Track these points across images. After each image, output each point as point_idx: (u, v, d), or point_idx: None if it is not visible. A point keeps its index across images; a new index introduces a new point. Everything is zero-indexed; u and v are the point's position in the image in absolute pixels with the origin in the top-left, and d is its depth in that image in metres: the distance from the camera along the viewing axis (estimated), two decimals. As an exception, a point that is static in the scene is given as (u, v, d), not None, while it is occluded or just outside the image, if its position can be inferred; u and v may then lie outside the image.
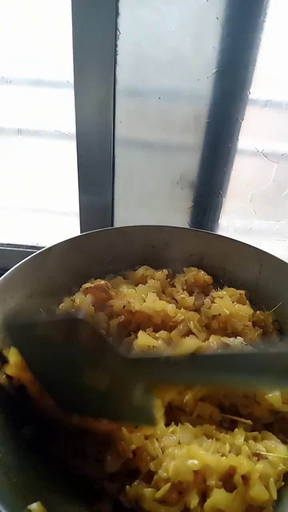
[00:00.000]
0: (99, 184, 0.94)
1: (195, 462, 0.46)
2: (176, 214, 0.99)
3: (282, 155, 0.89)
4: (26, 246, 1.09)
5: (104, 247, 0.74)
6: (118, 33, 0.76)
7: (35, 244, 1.09)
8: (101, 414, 0.48)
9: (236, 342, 0.59)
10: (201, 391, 0.54)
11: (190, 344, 0.58)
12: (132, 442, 0.47)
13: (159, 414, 0.52)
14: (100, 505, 0.47)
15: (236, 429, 0.52)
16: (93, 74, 0.80)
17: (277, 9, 0.72)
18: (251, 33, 0.74)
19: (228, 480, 0.46)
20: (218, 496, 0.44)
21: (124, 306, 0.63)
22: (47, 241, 0.69)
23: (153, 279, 0.71)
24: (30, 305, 0.64)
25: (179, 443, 0.50)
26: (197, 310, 0.67)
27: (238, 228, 1.02)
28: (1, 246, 1.08)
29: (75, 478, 0.50)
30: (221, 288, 0.71)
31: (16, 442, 0.49)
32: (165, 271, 0.73)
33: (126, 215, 1.00)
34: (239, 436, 0.51)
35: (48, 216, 1.07)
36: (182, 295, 0.68)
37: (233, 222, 1.01)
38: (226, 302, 0.65)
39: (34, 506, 0.42)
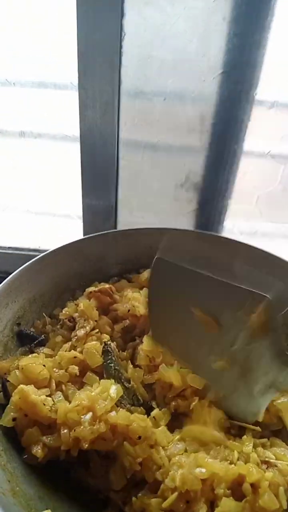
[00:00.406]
0: (102, 186, 0.93)
1: (203, 470, 0.45)
2: (181, 217, 0.98)
3: (289, 156, 0.88)
4: (28, 249, 1.08)
5: (108, 250, 0.73)
6: (123, 34, 0.75)
7: (38, 248, 1.08)
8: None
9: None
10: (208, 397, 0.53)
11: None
12: (138, 455, 0.46)
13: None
14: (107, 513, 0.46)
15: (244, 436, 0.51)
16: (97, 76, 0.79)
17: (285, 9, 0.71)
18: (258, 33, 0.73)
19: (236, 489, 0.44)
20: (227, 505, 0.43)
21: (128, 310, 0.62)
22: (50, 244, 0.68)
23: (158, 282, 0.70)
24: (34, 309, 0.63)
25: (185, 451, 0.49)
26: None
27: (243, 231, 1.01)
28: (4, 250, 1.07)
29: (79, 487, 0.48)
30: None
31: (19, 449, 0.48)
32: (170, 274, 0.72)
33: (130, 217, 0.99)
34: (247, 443, 0.50)
35: (51, 219, 1.06)
36: (188, 298, 0.66)
37: (238, 224, 1.00)
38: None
39: None
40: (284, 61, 0.77)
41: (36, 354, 0.56)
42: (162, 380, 0.54)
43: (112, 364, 0.54)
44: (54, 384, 0.52)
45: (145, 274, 0.72)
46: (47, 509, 0.42)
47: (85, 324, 0.59)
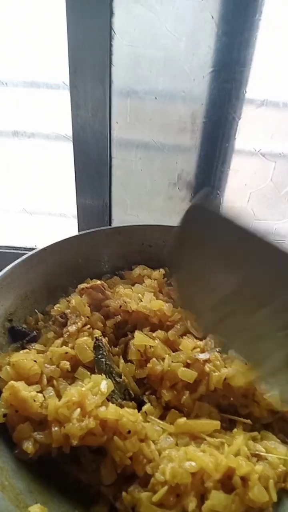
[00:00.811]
0: (96, 185, 0.94)
1: (193, 464, 0.45)
2: (174, 215, 0.98)
3: (280, 154, 0.89)
4: (24, 248, 1.08)
5: (100, 247, 0.74)
6: (113, 33, 0.76)
7: (33, 247, 1.08)
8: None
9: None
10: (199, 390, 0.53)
11: (188, 344, 0.57)
12: (128, 449, 0.46)
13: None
14: (96, 508, 0.46)
15: (235, 429, 0.51)
16: (88, 75, 0.80)
17: (273, 7, 0.72)
18: (246, 32, 0.74)
19: (227, 482, 0.44)
20: (217, 498, 0.43)
21: (120, 306, 0.62)
22: (45, 243, 0.68)
23: (150, 278, 0.71)
24: (26, 305, 0.63)
25: (176, 444, 0.49)
26: (194, 309, 0.66)
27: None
28: (0, 249, 1.07)
29: (70, 481, 0.48)
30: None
31: (9, 443, 0.48)
32: (162, 271, 0.72)
33: (123, 216, 0.99)
34: (237, 437, 0.50)
35: (46, 218, 1.06)
36: (180, 295, 0.67)
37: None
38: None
39: (35, 508, 0.41)
40: (273, 59, 0.78)
41: (27, 350, 0.56)
42: (153, 374, 0.54)
43: (103, 359, 0.54)
44: (45, 380, 0.52)
45: (137, 271, 0.73)
46: (36, 503, 0.42)
47: (76, 320, 0.59)
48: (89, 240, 0.72)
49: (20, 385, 0.48)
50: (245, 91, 0.81)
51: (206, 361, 0.55)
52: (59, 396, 0.50)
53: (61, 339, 0.58)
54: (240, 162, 0.91)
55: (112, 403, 0.50)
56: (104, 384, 0.50)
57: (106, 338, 0.59)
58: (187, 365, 0.55)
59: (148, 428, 0.49)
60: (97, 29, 0.74)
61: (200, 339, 0.60)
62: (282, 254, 0.40)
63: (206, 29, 0.74)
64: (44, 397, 0.50)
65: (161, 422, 0.51)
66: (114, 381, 0.53)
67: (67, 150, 0.91)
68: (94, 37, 0.75)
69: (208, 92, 0.81)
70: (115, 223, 1.00)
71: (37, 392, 0.50)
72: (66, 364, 0.54)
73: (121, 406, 0.50)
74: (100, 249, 0.74)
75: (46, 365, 0.54)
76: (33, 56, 0.82)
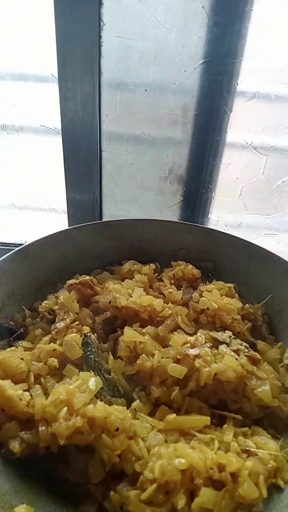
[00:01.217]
0: (86, 179, 0.93)
1: (182, 461, 0.44)
2: (165, 209, 0.97)
3: (271, 147, 0.88)
4: (13, 244, 1.07)
5: (89, 242, 0.72)
6: (102, 23, 0.74)
7: (22, 242, 1.07)
8: None
9: (225, 335, 0.58)
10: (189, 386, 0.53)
11: (178, 339, 0.56)
12: (116, 447, 0.45)
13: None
14: (85, 507, 0.46)
15: (225, 425, 0.51)
16: (77, 67, 0.78)
17: (263, -3, 0.71)
18: (238, 23, 0.73)
19: (216, 478, 0.44)
20: (206, 495, 0.42)
21: (110, 302, 0.61)
22: (34, 238, 0.67)
23: (140, 273, 0.70)
24: (13, 301, 0.62)
25: (165, 441, 0.48)
26: (185, 304, 0.65)
27: (228, 223, 1.01)
28: (-12, 245, 1.06)
29: (58, 480, 0.48)
30: (210, 282, 0.70)
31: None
32: (153, 266, 0.72)
33: (114, 210, 0.98)
34: (228, 432, 0.49)
35: (36, 213, 1.05)
36: (170, 290, 0.66)
37: (223, 217, 1.00)
38: (215, 296, 0.63)
39: (21, 509, 0.40)
40: (265, 50, 0.77)
41: (14, 347, 0.55)
42: (143, 370, 0.54)
43: (92, 356, 0.54)
44: (32, 378, 0.51)
45: (127, 266, 0.72)
46: (22, 503, 0.41)
47: (65, 317, 0.58)
48: (78, 235, 0.71)
49: (6, 383, 0.47)
50: (237, 83, 0.80)
51: (196, 356, 0.54)
52: (46, 394, 0.49)
53: (49, 336, 0.57)
54: (231, 155, 0.90)
55: (101, 400, 0.49)
56: (93, 381, 0.49)
57: (95, 334, 0.59)
58: (177, 361, 0.54)
59: (137, 425, 0.48)
60: (85, 19, 0.73)
61: (191, 335, 0.59)
62: None
63: (197, 20, 0.73)
64: (31, 395, 0.49)
65: (150, 418, 0.50)
66: (103, 378, 0.52)
67: (56, 144, 0.89)
68: (83, 28, 0.73)
69: (199, 84, 0.80)
70: (106, 218, 0.99)
71: (24, 390, 0.49)
72: (54, 362, 0.53)
73: (110, 403, 0.50)
74: (89, 244, 0.72)
75: (33, 362, 0.53)
76: (21, 48, 0.80)
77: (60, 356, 0.54)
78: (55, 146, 0.90)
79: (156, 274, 0.72)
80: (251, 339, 0.61)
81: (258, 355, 0.56)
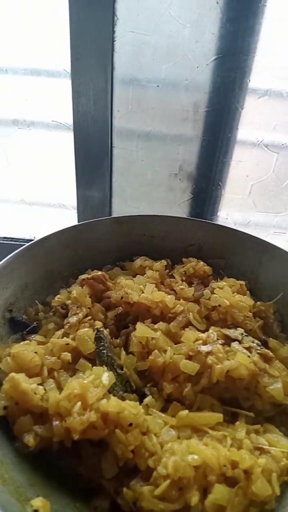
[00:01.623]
0: (96, 175, 0.93)
1: (195, 457, 0.44)
2: (174, 206, 0.97)
3: (282, 145, 0.88)
4: (23, 239, 1.07)
5: (101, 237, 0.72)
6: (116, 18, 0.74)
7: (32, 238, 1.07)
8: None
9: (237, 333, 0.58)
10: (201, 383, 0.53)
11: (190, 336, 0.56)
12: (130, 442, 0.45)
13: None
14: (97, 502, 0.46)
15: (237, 422, 0.51)
16: (90, 62, 0.78)
17: (278, -7, 0.70)
18: (251, 19, 0.73)
19: (229, 475, 0.44)
20: (220, 491, 0.42)
21: (122, 297, 0.61)
22: (45, 234, 0.67)
23: (152, 269, 0.70)
24: (26, 295, 0.62)
25: (178, 437, 0.48)
26: (196, 301, 0.65)
27: (237, 220, 1.00)
28: (-2, 240, 1.06)
29: (70, 474, 0.48)
30: (221, 279, 0.69)
31: (9, 436, 0.47)
32: (164, 262, 0.72)
33: (124, 207, 0.98)
34: (240, 430, 0.49)
35: (45, 209, 1.05)
36: (181, 286, 0.66)
37: (232, 214, 1.00)
38: (226, 293, 0.63)
39: (37, 502, 0.40)
40: (278, 47, 0.76)
41: (28, 341, 0.55)
42: (155, 366, 0.54)
43: (104, 351, 0.54)
44: (46, 372, 0.51)
45: (139, 262, 0.72)
46: (37, 496, 0.41)
47: (77, 311, 0.58)
48: (90, 230, 0.71)
49: (20, 377, 0.47)
50: (249, 80, 0.80)
51: (208, 353, 0.54)
52: (59, 389, 0.49)
53: (62, 330, 0.57)
54: (242, 153, 0.90)
55: (114, 395, 0.49)
56: (106, 376, 0.49)
57: (107, 329, 0.59)
58: (189, 357, 0.54)
59: (150, 421, 0.48)
60: (100, 14, 0.72)
61: (202, 331, 0.59)
62: None
63: (211, 16, 0.73)
64: (45, 389, 0.49)
65: (162, 414, 0.50)
66: (115, 373, 0.52)
67: (68, 140, 0.89)
68: (97, 22, 0.73)
69: (211, 80, 0.80)
70: (115, 214, 0.99)
71: (38, 384, 0.49)
72: (67, 356, 0.53)
73: (123, 399, 0.50)
74: (101, 240, 0.72)
75: (46, 356, 0.53)
76: (34, 43, 0.80)
77: (73, 351, 0.54)
78: (66, 142, 0.90)
79: (167, 271, 0.72)
80: (263, 337, 0.61)
81: (270, 353, 0.56)
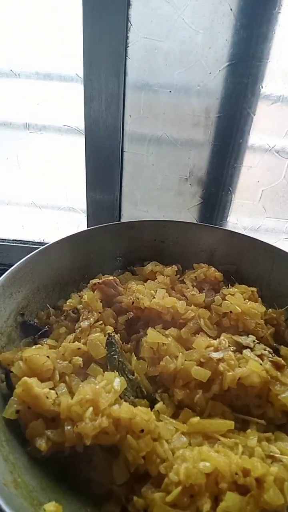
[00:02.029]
0: (107, 179, 0.93)
1: (207, 464, 0.44)
2: (184, 211, 0.97)
3: (294, 151, 0.87)
4: (32, 242, 1.08)
5: (112, 242, 0.73)
6: (129, 24, 0.74)
7: (41, 241, 1.08)
8: None
9: (248, 340, 0.58)
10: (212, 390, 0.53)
11: (201, 342, 0.56)
12: (141, 448, 0.45)
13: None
14: (108, 507, 0.46)
15: (249, 430, 0.50)
16: (103, 67, 0.78)
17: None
18: (265, 25, 0.73)
19: (241, 483, 0.44)
20: (231, 499, 0.42)
21: (133, 302, 0.61)
22: (54, 237, 0.68)
23: (162, 275, 0.70)
24: (37, 299, 0.63)
25: (189, 444, 0.48)
26: (207, 307, 0.65)
27: (247, 226, 1.00)
28: (8, 242, 1.07)
29: (81, 479, 0.48)
30: (232, 285, 0.69)
31: (22, 440, 0.47)
32: (175, 267, 0.72)
33: (133, 211, 0.98)
34: (251, 437, 0.49)
35: (56, 212, 1.05)
36: (192, 292, 0.66)
37: (242, 220, 0.99)
38: (238, 300, 0.63)
39: (50, 506, 0.40)
40: (291, 54, 0.76)
41: (39, 345, 0.56)
42: (166, 372, 0.54)
43: (116, 356, 0.54)
44: (57, 376, 0.51)
45: (149, 267, 0.72)
46: (49, 501, 0.41)
47: (89, 316, 0.58)
48: (101, 235, 0.72)
49: (33, 381, 0.48)
50: (261, 86, 0.80)
51: (220, 360, 0.54)
52: (71, 393, 0.50)
53: (73, 334, 0.58)
54: (253, 158, 0.90)
55: (125, 401, 0.49)
56: (117, 382, 0.49)
57: (118, 334, 0.59)
58: (201, 364, 0.54)
59: (161, 427, 0.48)
60: (113, 20, 0.73)
61: (213, 338, 0.59)
62: None
63: (224, 22, 0.73)
64: (57, 394, 0.49)
65: (174, 421, 0.50)
66: (126, 378, 0.52)
67: (78, 144, 0.90)
68: (110, 28, 0.74)
69: (223, 86, 0.80)
70: (125, 218, 0.99)
71: (50, 388, 0.49)
72: (78, 360, 0.53)
73: (134, 404, 0.50)
74: (111, 244, 0.73)
75: (58, 361, 0.53)
76: (47, 48, 0.81)
77: (84, 355, 0.54)
78: (77, 146, 0.90)
79: (178, 276, 0.72)
80: (274, 344, 0.61)
81: (282, 361, 0.55)
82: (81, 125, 0.87)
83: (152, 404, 0.53)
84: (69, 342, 0.56)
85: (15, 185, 1.01)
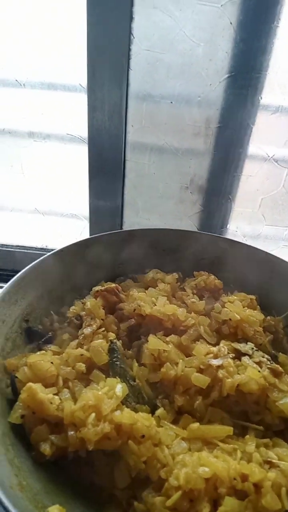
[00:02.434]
0: (109, 187, 0.94)
1: (206, 469, 0.45)
2: (185, 219, 0.99)
3: (293, 160, 0.89)
4: (35, 248, 1.09)
5: (114, 250, 0.74)
6: (132, 37, 0.76)
7: (45, 247, 1.09)
8: None
9: (247, 347, 0.59)
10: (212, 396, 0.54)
11: (201, 349, 0.57)
12: (142, 453, 0.46)
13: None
14: (110, 511, 0.47)
15: (247, 436, 0.52)
16: (106, 78, 0.80)
17: (291, 15, 0.72)
18: (264, 38, 0.75)
19: (239, 488, 0.45)
20: (230, 504, 0.43)
21: (134, 310, 0.62)
22: (57, 243, 0.69)
23: (163, 282, 0.71)
24: (41, 306, 0.64)
25: (189, 449, 0.49)
26: (207, 314, 0.66)
27: (246, 233, 1.02)
28: (11, 248, 1.08)
29: (83, 483, 0.49)
30: (231, 293, 0.71)
31: (26, 444, 0.48)
32: (175, 275, 0.73)
33: (135, 218, 1.00)
34: (250, 443, 0.50)
35: (59, 219, 1.07)
36: (192, 299, 0.67)
37: (242, 227, 1.01)
38: (237, 307, 0.64)
39: (54, 509, 0.41)
40: (290, 66, 0.78)
41: (44, 351, 0.57)
42: (166, 379, 0.55)
43: (117, 362, 0.55)
44: (61, 381, 0.53)
45: (151, 274, 0.73)
46: (53, 504, 0.42)
47: (91, 323, 0.60)
48: (104, 243, 0.73)
49: (38, 387, 0.49)
50: (261, 97, 0.81)
51: (219, 367, 0.55)
52: (74, 399, 0.51)
53: (76, 341, 0.59)
54: (252, 167, 0.91)
55: (127, 406, 0.50)
56: (119, 388, 0.50)
57: (120, 341, 0.60)
58: (200, 371, 0.55)
59: (162, 433, 0.49)
60: (117, 33, 0.75)
61: (213, 345, 0.60)
62: None
63: (224, 35, 0.75)
64: (60, 399, 0.50)
65: (174, 427, 0.51)
66: (128, 385, 0.53)
67: (82, 153, 0.91)
68: (114, 41, 0.75)
69: (223, 97, 0.82)
70: (126, 225, 1.01)
71: (54, 394, 0.50)
72: (81, 366, 0.54)
73: (135, 410, 0.51)
74: (114, 252, 0.74)
75: (62, 366, 0.54)
76: (51, 58, 0.82)
77: (87, 361, 0.55)
78: (80, 154, 0.92)
79: (179, 283, 0.73)
80: (273, 351, 0.62)
81: (280, 368, 0.56)
82: (85, 134, 0.89)
83: (153, 409, 0.54)
84: (72, 349, 0.57)
85: (19, 192, 1.02)
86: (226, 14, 0.73)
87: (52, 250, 0.68)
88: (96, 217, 0.99)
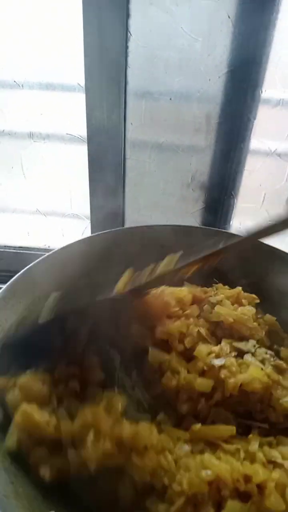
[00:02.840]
0: (110, 186, 0.94)
1: (209, 472, 0.44)
2: (187, 216, 0.98)
3: (296, 154, 0.88)
4: (38, 249, 1.09)
5: (115, 248, 0.73)
6: (129, 34, 0.75)
7: (47, 247, 1.09)
8: None
9: (249, 345, 0.58)
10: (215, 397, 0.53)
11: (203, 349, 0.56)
12: (147, 465, 0.44)
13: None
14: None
15: (250, 435, 0.51)
16: (104, 76, 0.80)
17: (290, 5, 0.71)
18: (263, 31, 0.73)
19: (243, 490, 0.44)
20: (233, 507, 0.42)
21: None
22: (59, 244, 0.69)
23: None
24: (39, 309, 0.63)
25: (192, 452, 0.48)
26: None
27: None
28: (14, 249, 1.08)
29: (85, 489, 0.47)
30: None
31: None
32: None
33: (137, 217, 0.99)
34: (253, 443, 0.49)
35: (60, 219, 1.07)
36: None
37: (245, 223, 1.00)
38: (227, 309, 0.62)
39: None
40: (290, 58, 0.76)
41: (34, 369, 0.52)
42: (168, 388, 0.54)
43: (115, 372, 0.54)
44: (55, 401, 0.49)
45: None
46: (50, 510, 0.42)
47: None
48: (104, 242, 0.72)
49: (33, 408, 0.46)
50: (261, 91, 0.80)
51: (222, 367, 0.54)
52: (71, 416, 0.48)
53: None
54: (255, 162, 0.90)
55: (127, 417, 0.47)
56: (118, 400, 0.48)
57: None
58: (202, 373, 0.54)
59: (164, 439, 0.48)
60: (113, 30, 0.74)
61: (215, 344, 0.59)
62: None
63: (223, 29, 0.73)
64: (57, 418, 0.47)
65: (176, 430, 0.50)
66: (127, 394, 0.52)
67: (82, 152, 0.91)
68: (111, 38, 0.75)
69: (223, 92, 0.80)
70: (128, 224, 1.00)
71: (49, 413, 0.47)
72: (74, 382, 0.52)
73: (136, 420, 0.48)
74: (115, 250, 0.73)
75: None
76: (49, 58, 0.82)
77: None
78: (80, 154, 0.92)
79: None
80: (275, 346, 0.61)
81: (284, 364, 0.55)
82: (84, 134, 0.88)
83: (154, 416, 0.52)
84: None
85: (20, 193, 1.02)
86: (224, 7, 0.71)
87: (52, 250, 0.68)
88: (97, 216, 0.98)
